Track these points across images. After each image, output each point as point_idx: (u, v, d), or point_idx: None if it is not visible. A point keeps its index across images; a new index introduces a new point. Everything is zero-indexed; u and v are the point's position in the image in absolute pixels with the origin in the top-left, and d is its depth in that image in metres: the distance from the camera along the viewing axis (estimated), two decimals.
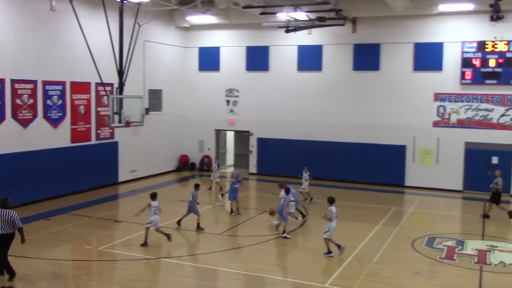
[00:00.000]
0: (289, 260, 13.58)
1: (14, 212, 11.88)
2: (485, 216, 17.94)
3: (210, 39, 27.37)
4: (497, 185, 17.85)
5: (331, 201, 14.01)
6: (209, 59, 27.43)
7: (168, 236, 14.39)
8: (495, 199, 17.86)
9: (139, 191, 20.97)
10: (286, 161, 25.79)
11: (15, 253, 13.27)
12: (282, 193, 15.76)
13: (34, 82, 19.01)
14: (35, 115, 19.11)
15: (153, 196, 14.40)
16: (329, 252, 13.56)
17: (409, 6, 21.44)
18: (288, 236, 15.18)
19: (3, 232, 11.64)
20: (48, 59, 19.52)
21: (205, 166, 27.64)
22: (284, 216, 15.34)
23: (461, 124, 22.69)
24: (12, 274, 11.64)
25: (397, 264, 13.09)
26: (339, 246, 13.54)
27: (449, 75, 22.76)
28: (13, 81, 18.18)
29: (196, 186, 16.31)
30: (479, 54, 22.05)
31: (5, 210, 11.80)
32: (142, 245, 14.09)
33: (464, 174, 22.79)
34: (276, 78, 26.12)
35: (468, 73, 22.27)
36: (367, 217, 18.09)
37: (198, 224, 15.94)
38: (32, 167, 18.84)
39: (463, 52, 22.38)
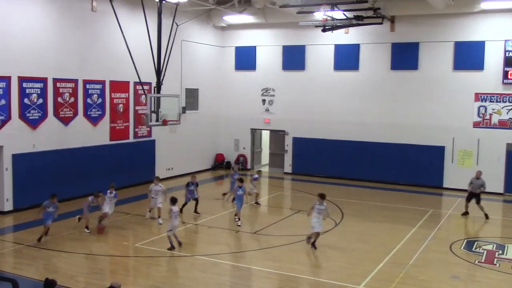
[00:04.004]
0: (324, 260, 13.49)
1: None
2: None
3: (247, 38, 27.45)
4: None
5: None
6: (245, 59, 27.52)
7: (179, 244, 14.05)
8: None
9: (175, 189, 21.18)
10: (321, 161, 25.66)
11: (54, 248, 13.65)
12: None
13: (75, 81, 19.48)
14: (75, 113, 19.58)
15: (174, 201, 14.26)
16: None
17: (449, 4, 20.98)
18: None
19: None
20: (89, 58, 19.97)
21: (240, 165, 27.74)
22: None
23: (503, 125, 22.07)
24: None
25: (434, 267, 12.83)
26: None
27: (491, 75, 22.17)
28: (55, 80, 18.67)
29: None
30: None
31: None
32: (169, 249, 13.74)
33: (506, 176, 22.15)
34: (312, 77, 25.99)
35: (511, 72, 21.64)
36: (404, 219, 17.80)
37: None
38: (72, 164, 19.31)
39: (506, 51, 21.76)
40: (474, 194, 18.08)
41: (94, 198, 15.40)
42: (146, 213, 17.18)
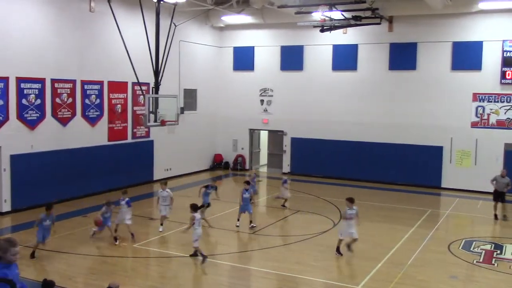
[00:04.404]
0: (323, 260, 13.48)
1: None
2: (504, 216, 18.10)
3: (245, 38, 27.45)
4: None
5: None
6: (243, 59, 27.53)
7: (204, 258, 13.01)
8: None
9: (174, 189, 21.12)
10: (319, 161, 25.67)
11: (53, 248, 13.63)
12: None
13: (73, 81, 19.46)
14: (74, 114, 19.56)
15: (195, 208, 13.38)
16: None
17: (447, 4, 21.02)
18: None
19: None
20: (87, 59, 19.95)
21: (238, 165, 27.74)
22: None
23: (501, 125, 22.11)
24: None
25: (433, 267, 12.85)
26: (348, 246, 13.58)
27: (489, 75, 22.21)
28: (53, 81, 18.65)
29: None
30: None
31: None
32: (203, 258, 12.91)
33: None
34: (310, 77, 26.01)
35: (509, 73, 21.70)
36: (403, 219, 17.81)
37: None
38: (71, 164, 19.29)
39: (503, 51, 21.81)
40: (500, 192, 17.97)
41: (107, 207, 14.48)
42: (159, 227, 15.82)
